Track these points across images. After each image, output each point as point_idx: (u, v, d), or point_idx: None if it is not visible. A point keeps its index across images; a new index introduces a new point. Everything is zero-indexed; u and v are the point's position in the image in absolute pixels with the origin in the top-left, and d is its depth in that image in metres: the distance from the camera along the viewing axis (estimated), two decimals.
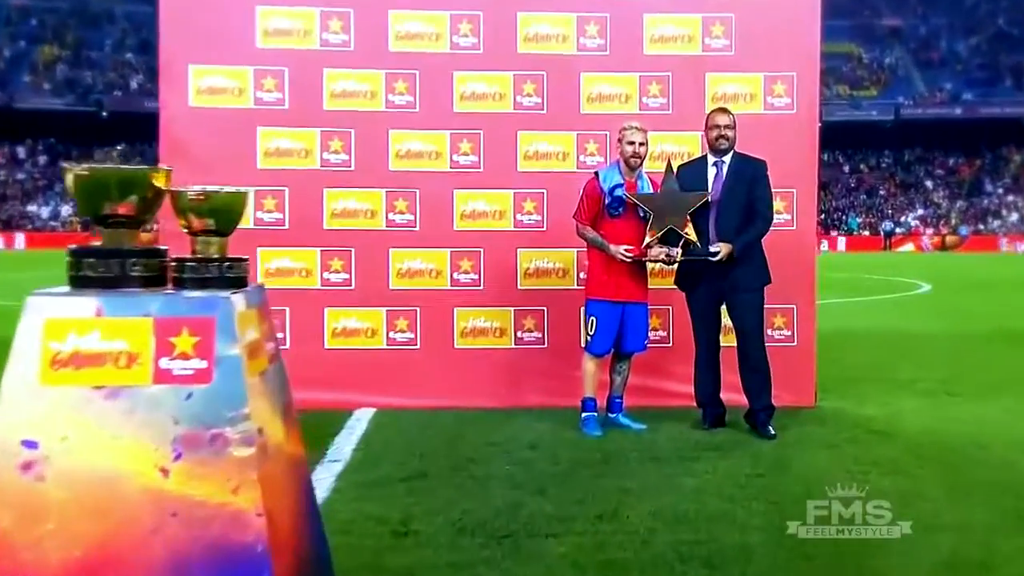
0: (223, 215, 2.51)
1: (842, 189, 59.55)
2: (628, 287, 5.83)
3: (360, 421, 6.09)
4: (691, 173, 5.86)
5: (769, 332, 6.46)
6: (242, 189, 2.62)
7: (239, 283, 2.50)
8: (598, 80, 6.63)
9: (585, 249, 6.04)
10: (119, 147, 52.65)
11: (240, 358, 2.29)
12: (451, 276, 6.60)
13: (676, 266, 5.92)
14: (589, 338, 5.88)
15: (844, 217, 55.99)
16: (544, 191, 6.61)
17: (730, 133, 5.78)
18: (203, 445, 2.24)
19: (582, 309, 6.15)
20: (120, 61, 57.87)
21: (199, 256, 2.50)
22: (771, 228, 5.88)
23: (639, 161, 5.78)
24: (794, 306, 6.67)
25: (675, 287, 6.09)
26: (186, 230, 2.54)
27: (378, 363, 6.53)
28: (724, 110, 5.92)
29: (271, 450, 2.40)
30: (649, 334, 6.11)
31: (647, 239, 5.70)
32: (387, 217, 6.55)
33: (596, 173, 5.87)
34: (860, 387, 7.39)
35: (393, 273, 6.57)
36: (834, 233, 52.44)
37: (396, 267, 6.57)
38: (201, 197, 2.47)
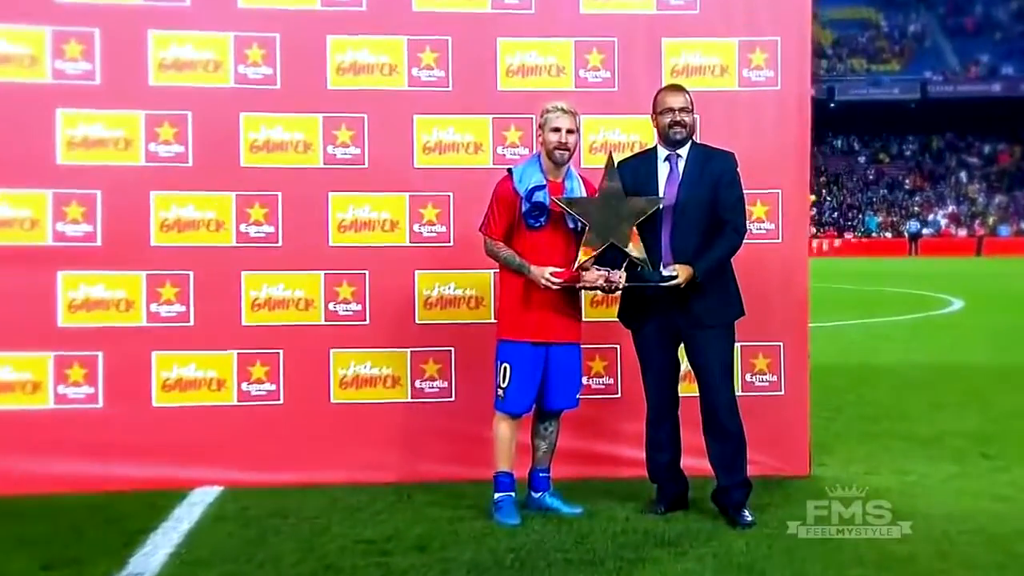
0: None
1: (858, 182, 60.23)
2: (553, 323, 5.48)
3: (195, 507, 5.65)
4: (636, 171, 5.52)
5: (748, 378, 6.38)
6: None
7: None
8: (521, 47, 6.41)
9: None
10: None
11: None
12: (326, 307, 6.31)
13: (619, 294, 5.57)
14: (502, 392, 5.49)
15: (860, 216, 56.45)
16: (450, 194, 6.37)
17: (687, 118, 5.49)
18: None
19: None
20: None
21: None
22: (745, 241, 5.59)
23: (566, 154, 5.47)
24: (781, 344, 6.45)
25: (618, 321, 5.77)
26: None
27: (226, 425, 6.20)
28: (677, 88, 5.62)
29: None
30: (582, 384, 5.80)
31: (580, 258, 5.36)
32: (238, 229, 6.25)
33: (509, 171, 5.56)
34: (870, 446, 7.24)
35: (247, 304, 6.26)
36: (848, 235, 52.75)
37: (251, 296, 6.27)
38: None
